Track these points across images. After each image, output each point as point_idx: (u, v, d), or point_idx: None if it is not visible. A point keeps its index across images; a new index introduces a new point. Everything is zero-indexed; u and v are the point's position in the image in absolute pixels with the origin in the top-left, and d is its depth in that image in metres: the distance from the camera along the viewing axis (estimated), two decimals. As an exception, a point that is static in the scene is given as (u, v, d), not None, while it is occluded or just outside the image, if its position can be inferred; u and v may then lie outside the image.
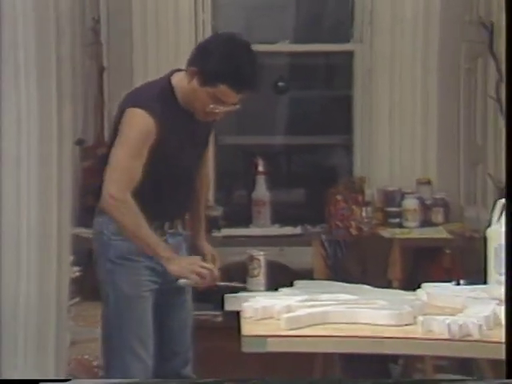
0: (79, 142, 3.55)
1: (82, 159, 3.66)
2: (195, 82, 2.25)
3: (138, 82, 3.84)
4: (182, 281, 2.24)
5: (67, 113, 2.07)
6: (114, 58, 3.89)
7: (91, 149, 3.76)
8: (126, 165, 2.20)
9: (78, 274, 2.77)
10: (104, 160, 2.30)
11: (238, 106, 2.28)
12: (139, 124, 2.22)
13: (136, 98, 2.28)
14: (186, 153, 2.33)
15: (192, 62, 2.27)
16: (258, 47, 3.92)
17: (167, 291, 2.32)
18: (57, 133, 2.04)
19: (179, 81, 2.30)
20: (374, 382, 2.36)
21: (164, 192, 2.26)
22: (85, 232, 2.58)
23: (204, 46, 2.32)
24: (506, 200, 1.85)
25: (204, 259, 2.36)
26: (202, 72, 2.23)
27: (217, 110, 2.27)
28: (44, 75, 2.00)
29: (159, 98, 2.26)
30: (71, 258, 2.41)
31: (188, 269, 2.23)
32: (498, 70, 3.66)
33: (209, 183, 2.64)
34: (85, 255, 2.59)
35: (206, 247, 2.45)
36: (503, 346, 1.88)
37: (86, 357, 2.62)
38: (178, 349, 2.37)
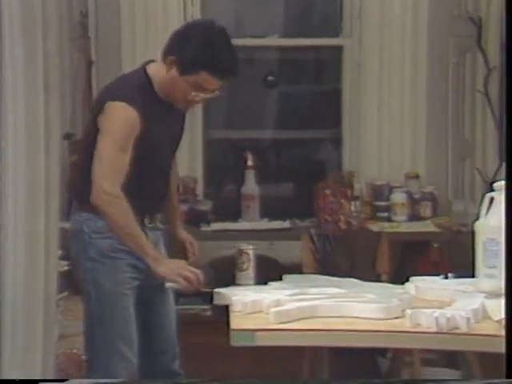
0: (67, 136, 3.53)
1: (71, 153, 3.64)
2: (174, 72, 2.22)
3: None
4: (169, 284, 2.25)
5: (55, 106, 2.05)
6: (103, 51, 3.87)
7: (80, 143, 3.73)
8: (115, 159, 2.17)
9: (66, 268, 2.76)
10: (87, 155, 2.27)
11: (218, 93, 2.26)
12: (123, 117, 2.19)
13: (115, 91, 2.24)
14: (166, 146, 2.31)
15: (169, 51, 2.24)
16: (247, 41, 3.99)
17: (149, 288, 2.30)
18: (44, 127, 2.02)
19: (156, 71, 2.27)
20: (363, 382, 2.37)
21: (144, 186, 2.23)
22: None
23: (180, 34, 2.27)
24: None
25: (184, 246, 2.36)
26: (182, 61, 2.20)
27: (198, 98, 2.25)
28: (30, 68, 1.98)
29: (138, 89, 2.23)
30: (60, 252, 2.40)
31: (176, 272, 2.21)
32: (487, 64, 3.67)
33: (178, 169, 2.61)
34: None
35: (184, 235, 2.44)
36: (492, 340, 1.89)
37: (75, 351, 2.61)
38: (165, 345, 2.36)
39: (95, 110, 2.26)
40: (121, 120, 2.19)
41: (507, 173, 1.83)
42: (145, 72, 2.27)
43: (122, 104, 2.19)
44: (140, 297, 2.29)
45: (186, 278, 2.21)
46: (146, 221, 2.30)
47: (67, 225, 2.47)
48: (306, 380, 2.74)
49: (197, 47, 2.20)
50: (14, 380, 1.96)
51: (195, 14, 3.95)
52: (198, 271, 2.23)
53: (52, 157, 2.07)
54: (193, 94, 2.23)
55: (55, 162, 2.09)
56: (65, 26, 2.52)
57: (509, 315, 1.75)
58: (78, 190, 2.34)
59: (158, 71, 2.26)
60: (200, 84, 2.22)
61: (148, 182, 2.25)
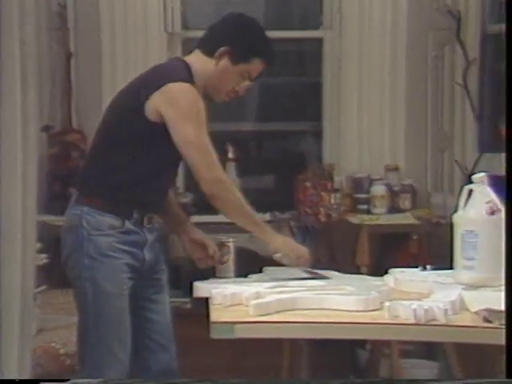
0: (46, 129, 3.51)
1: (49, 146, 3.62)
2: (226, 62, 2.21)
3: (106, 68, 3.85)
4: (277, 255, 2.34)
5: (32, 98, 2.03)
6: (82, 43, 3.85)
7: (58, 135, 3.72)
8: (208, 145, 2.14)
9: (45, 261, 2.74)
10: (103, 146, 2.22)
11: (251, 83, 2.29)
12: (193, 97, 2.12)
13: (170, 75, 2.15)
14: None
15: (217, 42, 2.21)
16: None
17: (143, 286, 2.26)
18: (21, 119, 2.00)
19: (195, 62, 2.23)
20: (342, 382, 2.38)
21: (152, 180, 2.18)
22: (54, 220, 2.55)
23: (226, 25, 2.27)
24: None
25: (204, 245, 2.39)
26: (236, 49, 2.21)
27: (244, 88, 2.26)
28: (7, 59, 1.96)
29: (186, 76, 2.18)
30: (38, 245, 2.38)
31: (288, 246, 2.33)
32: (465, 56, 3.70)
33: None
34: (53, 243, 2.56)
35: (200, 234, 2.44)
36: (469, 331, 1.90)
37: (53, 344, 2.60)
38: (163, 341, 2.31)
39: (142, 95, 2.14)
40: (195, 102, 2.13)
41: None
42: (185, 62, 2.23)
43: (186, 85, 2.13)
44: (136, 293, 2.23)
45: (296, 253, 2.32)
46: (145, 221, 2.23)
47: (45, 217, 2.44)
48: (287, 379, 2.76)
49: (249, 35, 2.23)
50: (14, 380, 1.94)
51: (175, 5, 3.94)
52: (306, 250, 2.34)
53: (29, 149, 2.05)
54: (243, 83, 2.24)
55: (32, 154, 2.06)
56: (43, 16, 2.49)
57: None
58: (84, 180, 2.25)
59: (196, 63, 2.23)
60: (249, 72, 2.24)
61: (157, 176, 2.20)
